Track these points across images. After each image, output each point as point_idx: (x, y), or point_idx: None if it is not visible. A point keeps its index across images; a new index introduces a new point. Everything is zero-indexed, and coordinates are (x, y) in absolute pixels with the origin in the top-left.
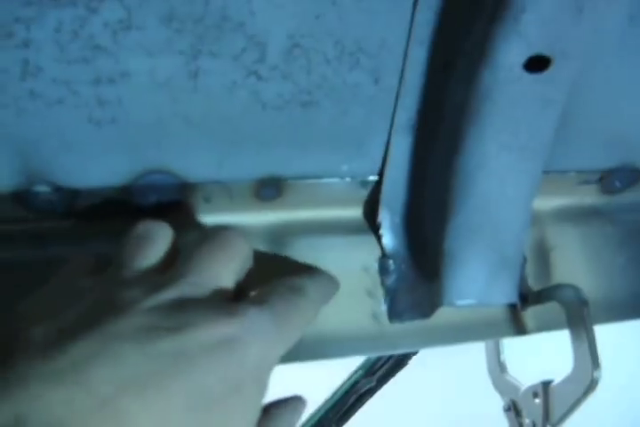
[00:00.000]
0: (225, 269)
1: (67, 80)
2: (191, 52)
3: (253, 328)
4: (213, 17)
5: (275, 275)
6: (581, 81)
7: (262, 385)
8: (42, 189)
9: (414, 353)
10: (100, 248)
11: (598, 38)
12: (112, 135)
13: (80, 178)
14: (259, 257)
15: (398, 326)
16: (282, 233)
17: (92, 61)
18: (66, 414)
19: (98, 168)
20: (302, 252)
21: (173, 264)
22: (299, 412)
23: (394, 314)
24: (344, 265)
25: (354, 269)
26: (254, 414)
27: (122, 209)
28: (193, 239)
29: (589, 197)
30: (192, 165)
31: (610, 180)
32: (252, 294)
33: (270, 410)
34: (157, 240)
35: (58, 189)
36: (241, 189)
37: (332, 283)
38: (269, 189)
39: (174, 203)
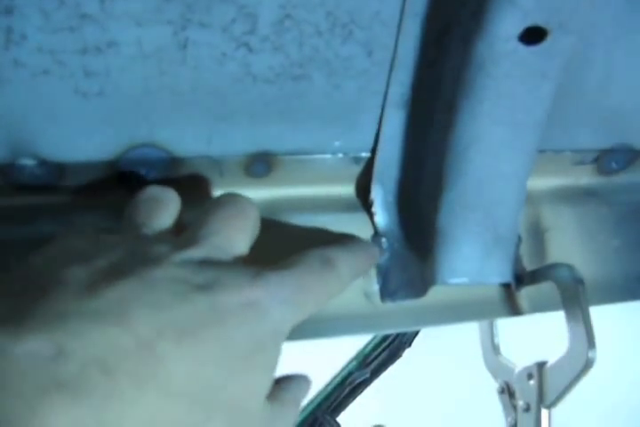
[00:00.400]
0: (241, 234)
1: (52, 49)
2: (180, 21)
3: (274, 295)
4: None
5: (304, 243)
6: (578, 58)
7: (278, 349)
8: (27, 162)
9: (408, 345)
10: (87, 223)
11: (596, 12)
12: (99, 107)
13: (66, 151)
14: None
15: (391, 306)
16: (273, 210)
17: (79, 30)
18: (105, 352)
19: (85, 141)
20: None
21: (189, 228)
22: (305, 389)
23: (386, 293)
24: None
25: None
26: (271, 375)
27: (110, 183)
28: (207, 205)
29: (585, 177)
30: (181, 138)
31: (606, 160)
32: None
33: (280, 382)
34: (169, 203)
35: (43, 163)
36: (231, 165)
37: (368, 257)
38: (260, 165)
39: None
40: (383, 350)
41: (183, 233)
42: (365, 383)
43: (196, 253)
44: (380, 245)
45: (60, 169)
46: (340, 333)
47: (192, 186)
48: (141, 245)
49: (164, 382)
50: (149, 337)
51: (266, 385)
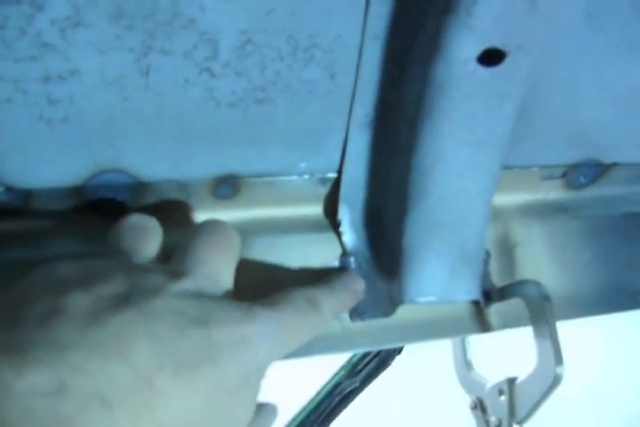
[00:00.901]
0: (228, 263)
1: (15, 79)
2: (142, 49)
3: (263, 332)
4: (163, 13)
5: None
6: (541, 76)
7: (260, 384)
8: None
9: (398, 353)
10: (54, 249)
11: (554, 32)
12: (64, 134)
13: (32, 178)
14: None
15: (360, 325)
16: (241, 232)
17: (41, 59)
18: (106, 386)
19: (50, 168)
20: (262, 250)
21: (177, 256)
22: (274, 415)
23: (355, 313)
24: (304, 263)
25: (314, 266)
26: (253, 408)
27: (76, 209)
28: (191, 231)
29: (554, 192)
30: (147, 163)
31: (574, 174)
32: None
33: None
34: (153, 231)
35: (10, 190)
36: (197, 188)
37: (351, 297)
38: (226, 188)
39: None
40: (372, 358)
41: (172, 261)
42: (355, 392)
43: (189, 284)
44: (347, 264)
45: (27, 195)
46: (310, 353)
47: (162, 209)
48: (137, 275)
49: (160, 417)
50: (149, 370)
51: (248, 418)
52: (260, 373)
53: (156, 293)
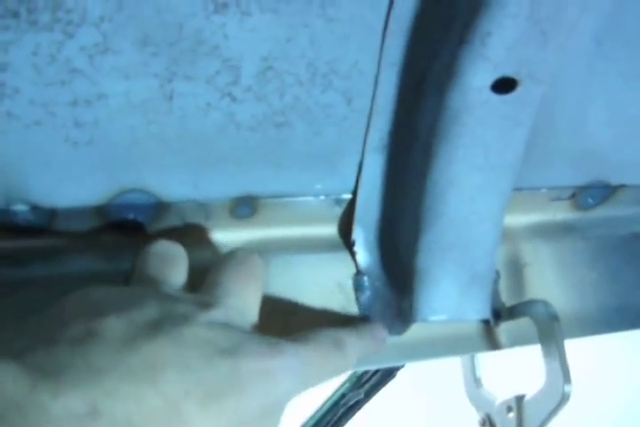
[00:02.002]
0: (254, 295)
1: (44, 102)
2: (166, 74)
3: (287, 366)
4: (188, 41)
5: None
6: (551, 100)
7: (281, 417)
8: (20, 208)
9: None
10: (79, 266)
11: (564, 60)
12: (89, 155)
13: (58, 197)
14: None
15: None
16: (257, 251)
17: (69, 84)
18: (136, 411)
19: (75, 187)
20: (278, 269)
21: (206, 286)
22: None
23: None
24: (319, 282)
25: (329, 285)
26: None
27: (100, 227)
28: (220, 263)
29: (562, 213)
30: (168, 184)
31: (582, 196)
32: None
33: None
34: (180, 259)
35: (35, 208)
36: (216, 208)
37: (375, 343)
38: (244, 208)
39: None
40: (377, 370)
41: (202, 292)
42: (360, 404)
43: (217, 314)
44: (361, 283)
45: (52, 214)
46: None
47: (181, 229)
48: (168, 303)
49: None
50: (177, 398)
51: None
52: (280, 407)
53: (186, 321)
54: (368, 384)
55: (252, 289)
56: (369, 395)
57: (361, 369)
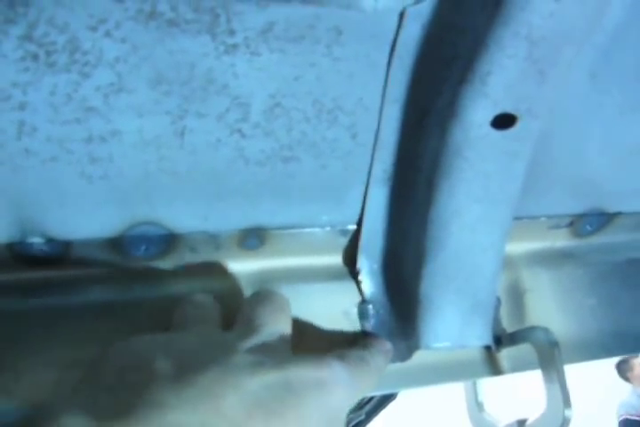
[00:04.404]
0: (285, 325)
1: (60, 139)
2: (178, 112)
3: (338, 377)
4: (199, 80)
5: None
6: (549, 133)
7: (342, 425)
8: (35, 240)
9: None
10: (92, 296)
11: (561, 95)
12: (103, 190)
13: (72, 230)
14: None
15: None
16: (265, 280)
17: (85, 122)
18: None
19: (89, 220)
20: None
21: (240, 321)
22: None
23: None
24: (325, 310)
25: (335, 313)
26: None
27: (113, 258)
28: (250, 301)
29: (561, 240)
30: (179, 216)
31: (581, 223)
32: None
33: None
34: (212, 308)
35: (51, 241)
36: (226, 239)
37: (386, 356)
38: (253, 239)
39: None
40: None
41: (237, 325)
42: (360, 425)
43: (257, 340)
44: (366, 311)
45: (66, 246)
46: None
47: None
48: (208, 337)
49: None
50: (241, 420)
51: None
52: (340, 418)
53: (230, 349)
54: (369, 406)
55: (283, 319)
56: (370, 416)
57: (367, 395)
